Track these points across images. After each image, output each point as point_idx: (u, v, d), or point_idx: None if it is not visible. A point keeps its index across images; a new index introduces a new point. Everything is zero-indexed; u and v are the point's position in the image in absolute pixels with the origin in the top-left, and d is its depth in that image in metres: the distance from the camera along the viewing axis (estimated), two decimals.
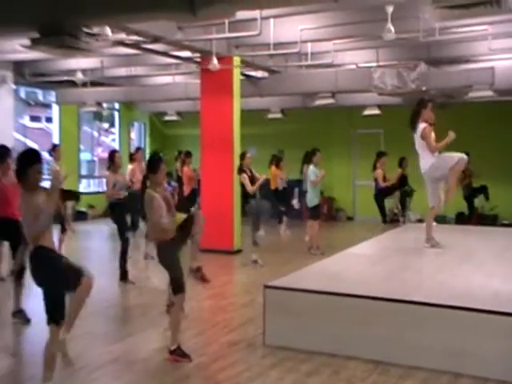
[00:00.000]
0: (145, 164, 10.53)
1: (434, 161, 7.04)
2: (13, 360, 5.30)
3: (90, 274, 4.26)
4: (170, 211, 5.26)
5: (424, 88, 11.17)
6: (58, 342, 4.22)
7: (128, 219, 10.02)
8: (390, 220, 11.37)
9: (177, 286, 5.12)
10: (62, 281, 4.23)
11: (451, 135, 6.94)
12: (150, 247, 9.91)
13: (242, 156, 9.62)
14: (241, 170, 9.52)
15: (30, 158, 4.32)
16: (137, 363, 5.11)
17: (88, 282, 4.22)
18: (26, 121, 17.55)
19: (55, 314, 4.20)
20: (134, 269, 8.79)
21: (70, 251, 10.96)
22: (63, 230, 9.74)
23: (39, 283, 4.27)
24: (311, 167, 10.49)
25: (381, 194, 11.33)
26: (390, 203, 11.48)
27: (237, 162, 10.76)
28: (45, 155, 12.02)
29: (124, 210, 8.41)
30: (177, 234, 5.18)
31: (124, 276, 8.24)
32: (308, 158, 10.85)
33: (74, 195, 12.53)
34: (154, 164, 5.24)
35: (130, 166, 10.95)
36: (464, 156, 7.11)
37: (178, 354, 5.07)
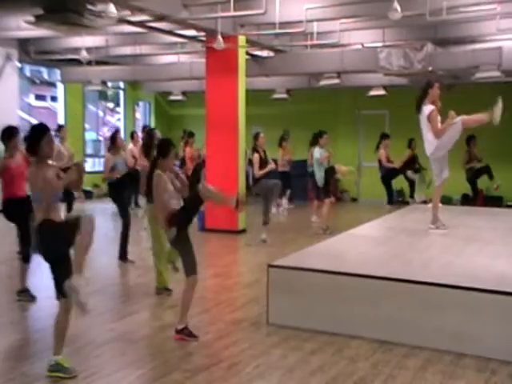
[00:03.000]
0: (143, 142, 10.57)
1: (438, 143, 7.00)
2: (20, 336, 5.36)
3: (91, 217, 4.34)
4: (180, 192, 5.26)
5: (430, 68, 11.09)
6: (67, 316, 4.31)
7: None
8: (397, 202, 11.39)
9: (189, 268, 5.11)
10: (62, 239, 4.28)
11: (451, 114, 6.88)
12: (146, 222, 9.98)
13: (256, 136, 9.63)
14: (255, 150, 9.55)
15: (40, 130, 4.46)
16: (140, 341, 5.16)
17: (70, 305, 4.28)
18: (31, 99, 17.53)
19: (63, 287, 4.23)
20: (137, 246, 8.83)
21: None
22: (69, 209, 9.78)
23: (45, 256, 4.32)
24: (317, 148, 10.51)
25: (388, 175, 11.33)
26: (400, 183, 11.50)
27: (242, 141, 10.79)
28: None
29: (122, 190, 8.29)
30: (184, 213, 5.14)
31: (124, 256, 8.20)
32: (315, 140, 10.86)
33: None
34: (164, 148, 5.20)
35: (130, 145, 10.98)
36: (457, 119, 6.98)
37: (185, 333, 5.10)
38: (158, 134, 7.29)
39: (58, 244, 4.29)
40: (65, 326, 4.35)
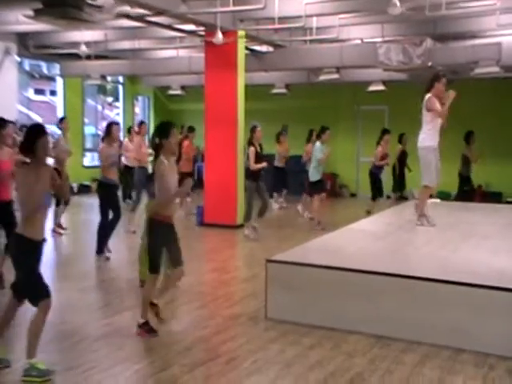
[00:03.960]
0: (148, 138, 10.55)
1: (427, 131, 7.05)
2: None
3: (50, 299, 4.26)
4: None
5: (430, 64, 11.06)
6: (43, 318, 4.25)
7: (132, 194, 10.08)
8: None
9: (151, 266, 5.09)
10: (28, 286, 4.25)
11: (451, 94, 6.90)
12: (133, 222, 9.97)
13: (253, 129, 9.56)
14: (250, 143, 9.51)
15: (38, 130, 4.37)
16: (137, 335, 5.14)
17: (48, 305, 4.25)
18: (31, 94, 17.50)
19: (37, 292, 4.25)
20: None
21: (72, 224, 11.06)
22: (58, 204, 9.72)
23: (16, 268, 4.30)
24: (317, 144, 10.52)
25: (377, 172, 11.47)
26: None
27: (241, 136, 10.77)
28: (51, 128, 12.03)
29: (112, 194, 8.13)
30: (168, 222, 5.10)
31: (100, 250, 8.10)
32: (317, 135, 10.85)
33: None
34: (164, 129, 5.13)
35: (125, 140, 10.94)
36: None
37: (145, 329, 5.08)
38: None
39: (28, 261, 4.23)
40: (40, 329, 4.26)
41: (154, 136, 6.51)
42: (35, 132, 4.33)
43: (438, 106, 6.98)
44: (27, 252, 4.22)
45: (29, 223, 4.22)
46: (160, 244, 5.08)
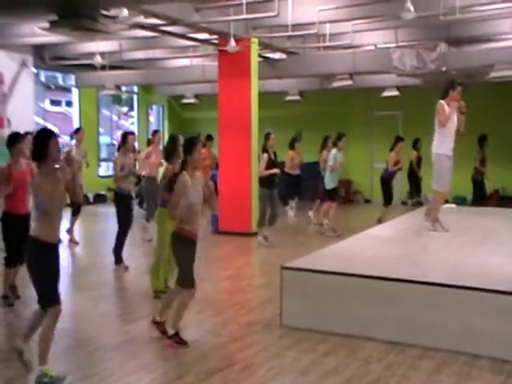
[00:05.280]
0: (163, 146, 10.54)
1: (440, 135, 7.04)
2: None
3: (59, 306, 4.30)
4: (205, 202, 5.29)
5: (444, 68, 11.01)
6: (54, 325, 4.29)
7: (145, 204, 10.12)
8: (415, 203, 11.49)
9: (184, 282, 5.09)
10: (40, 289, 4.31)
11: (462, 104, 6.96)
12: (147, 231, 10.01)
13: (267, 136, 9.57)
14: (264, 150, 9.52)
15: (46, 134, 4.40)
16: (153, 343, 5.17)
17: (57, 312, 4.28)
18: (47, 105, 17.68)
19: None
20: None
21: (88, 233, 11.14)
22: (75, 213, 9.78)
23: (30, 270, 4.34)
24: (333, 151, 10.51)
25: (389, 178, 11.38)
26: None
27: (255, 144, 10.79)
28: (66, 139, 12.12)
29: (129, 206, 8.19)
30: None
31: (119, 259, 8.12)
32: (333, 142, 10.82)
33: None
34: (189, 145, 5.19)
35: (146, 150, 10.93)
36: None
37: (175, 340, 5.07)
38: (182, 139, 7.20)
39: (42, 263, 4.27)
40: (50, 335, 4.29)
41: (167, 147, 6.57)
42: (44, 136, 4.35)
43: (445, 113, 6.95)
44: (42, 255, 4.26)
45: (44, 226, 4.27)
46: (189, 257, 5.09)
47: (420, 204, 12.03)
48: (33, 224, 4.48)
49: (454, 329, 4.82)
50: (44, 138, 4.31)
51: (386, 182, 11.40)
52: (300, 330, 5.33)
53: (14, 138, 6.22)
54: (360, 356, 4.77)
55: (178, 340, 5.06)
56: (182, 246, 5.07)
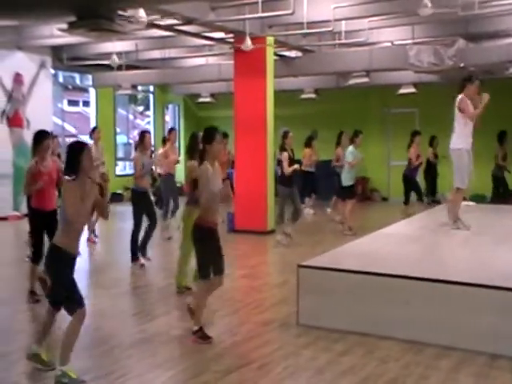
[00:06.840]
0: (177, 145, 10.55)
1: (458, 132, 6.98)
2: None
3: (84, 309, 4.29)
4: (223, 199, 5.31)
5: (462, 65, 10.90)
6: (79, 327, 4.31)
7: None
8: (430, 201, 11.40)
9: (200, 273, 5.12)
10: (64, 296, 4.32)
11: (485, 97, 6.81)
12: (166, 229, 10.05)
13: (285, 135, 9.55)
14: (282, 149, 9.50)
15: (79, 147, 4.40)
16: (170, 341, 5.18)
17: (83, 315, 4.28)
18: (65, 105, 17.84)
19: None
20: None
21: (105, 232, 11.20)
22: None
23: (50, 276, 4.40)
24: (350, 148, 10.45)
25: (412, 174, 11.26)
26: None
27: (270, 142, 10.78)
28: (84, 138, 12.20)
29: (146, 202, 8.20)
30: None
31: (135, 257, 8.16)
32: (350, 139, 10.76)
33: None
34: (208, 134, 5.16)
35: (161, 149, 10.97)
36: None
37: (199, 336, 5.09)
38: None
39: (63, 272, 4.30)
40: (75, 337, 4.30)
41: (189, 145, 6.61)
42: (77, 149, 4.35)
43: (470, 107, 6.88)
44: (63, 264, 4.30)
45: (67, 236, 4.31)
46: (208, 249, 5.11)
47: (437, 202, 11.94)
48: (57, 231, 4.50)
49: (472, 328, 4.76)
50: (77, 151, 4.32)
51: (409, 178, 11.28)
52: (317, 329, 5.31)
53: (41, 135, 6.27)
54: (377, 355, 4.74)
55: (202, 335, 5.07)
56: (203, 237, 5.10)
